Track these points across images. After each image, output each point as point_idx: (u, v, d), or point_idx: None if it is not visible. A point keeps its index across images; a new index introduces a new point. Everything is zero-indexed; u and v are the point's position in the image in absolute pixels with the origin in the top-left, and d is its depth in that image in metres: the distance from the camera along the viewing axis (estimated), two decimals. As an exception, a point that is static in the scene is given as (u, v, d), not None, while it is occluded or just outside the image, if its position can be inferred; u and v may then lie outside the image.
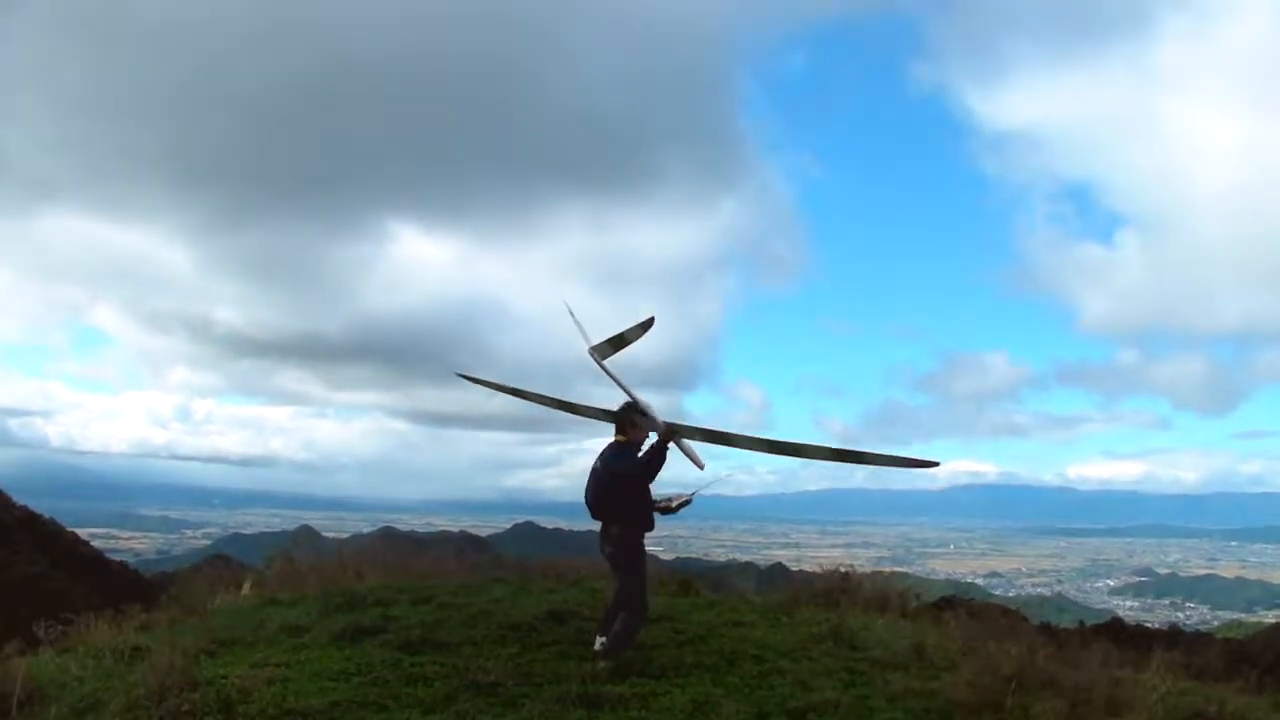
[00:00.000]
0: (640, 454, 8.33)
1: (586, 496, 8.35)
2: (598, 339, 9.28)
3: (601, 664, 7.97)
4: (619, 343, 9.47)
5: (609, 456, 8.34)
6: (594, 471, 8.35)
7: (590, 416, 9.58)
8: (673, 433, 8.34)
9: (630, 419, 8.40)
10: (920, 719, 6.60)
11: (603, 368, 8.94)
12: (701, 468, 8.50)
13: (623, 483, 8.22)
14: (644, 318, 9.84)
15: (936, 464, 8.18)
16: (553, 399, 9.85)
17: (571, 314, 9.49)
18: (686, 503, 8.44)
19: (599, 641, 8.41)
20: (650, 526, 8.38)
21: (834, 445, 8.61)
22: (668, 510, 8.37)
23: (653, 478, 8.29)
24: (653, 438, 8.38)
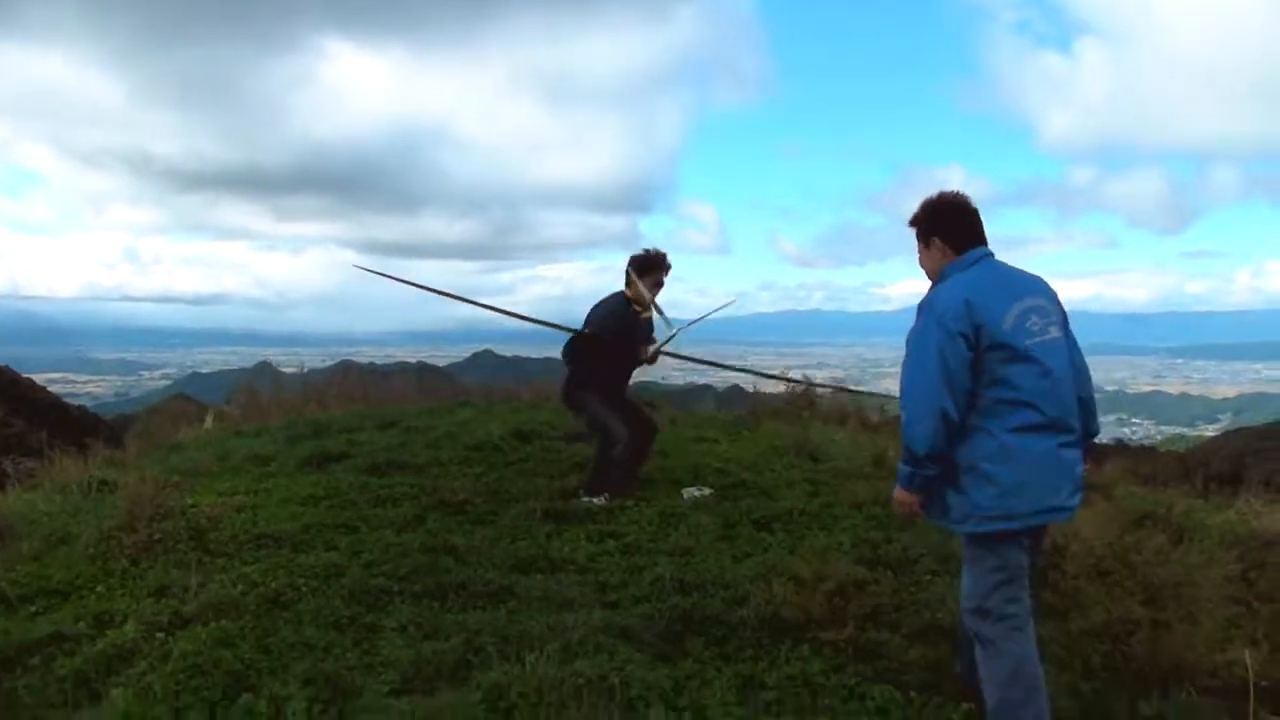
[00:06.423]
0: (626, 318, 7.73)
1: None
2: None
3: (587, 497, 7.65)
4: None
5: (596, 308, 7.86)
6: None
7: (513, 316, 9.19)
8: (656, 357, 7.92)
9: (635, 271, 7.77)
10: (884, 524, 6.75)
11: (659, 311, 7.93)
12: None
13: (586, 340, 7.78)
14: (727, 300, 9.24)
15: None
16: (475, 300, 9.29)
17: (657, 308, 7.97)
18: (656, 352, 7.89)
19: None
20: (597, 366, 7.81)
21: (832, 383, 8.17)
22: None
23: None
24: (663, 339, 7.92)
